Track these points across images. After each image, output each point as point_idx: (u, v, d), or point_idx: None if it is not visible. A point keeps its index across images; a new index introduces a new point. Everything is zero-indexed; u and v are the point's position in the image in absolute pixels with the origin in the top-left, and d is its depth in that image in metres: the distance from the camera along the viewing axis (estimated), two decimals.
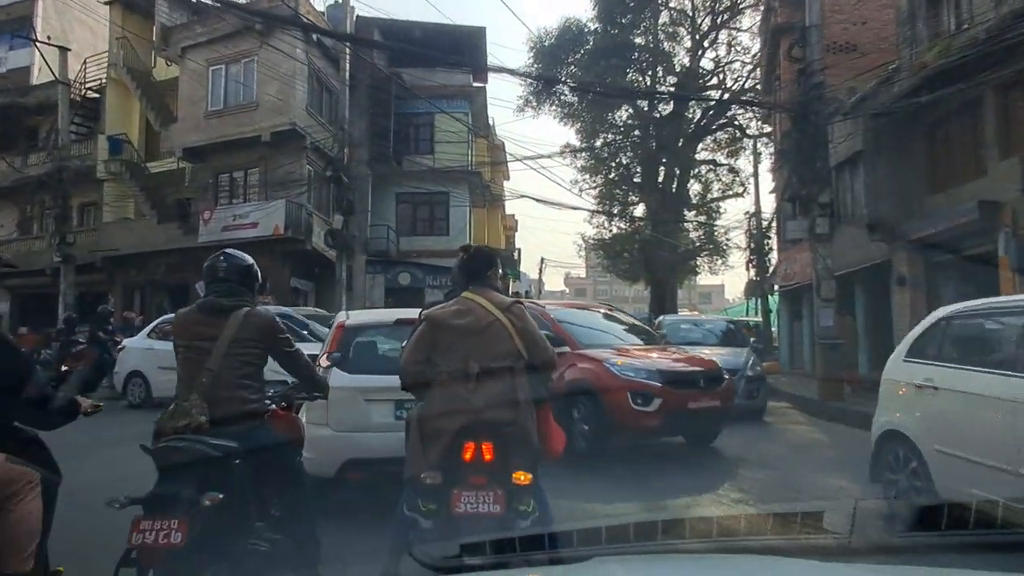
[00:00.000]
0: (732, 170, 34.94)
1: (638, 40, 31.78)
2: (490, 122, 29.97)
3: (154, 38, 21.52)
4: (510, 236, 42.14)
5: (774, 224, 23.98)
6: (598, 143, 34.30)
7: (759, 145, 31.58)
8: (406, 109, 23.85)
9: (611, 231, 36.69)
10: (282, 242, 18.99)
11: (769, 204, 45.55)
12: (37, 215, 24.63)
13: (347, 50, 17.63)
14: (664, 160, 32.57)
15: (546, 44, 30.46)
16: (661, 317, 11.95)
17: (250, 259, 3.53)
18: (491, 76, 37.83)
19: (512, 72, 17.29)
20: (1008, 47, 9.32)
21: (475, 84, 25.66)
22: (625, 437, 7.52)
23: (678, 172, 32.77)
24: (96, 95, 23.78)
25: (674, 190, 32.43)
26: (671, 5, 31.56)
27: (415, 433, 3.34)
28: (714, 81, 32.13)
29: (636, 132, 32.99)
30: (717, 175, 35.60)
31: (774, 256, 27.47)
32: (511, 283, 32.58)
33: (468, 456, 3.15)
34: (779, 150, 14.83)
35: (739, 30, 32.80)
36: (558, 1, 77.42)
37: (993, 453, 4.14)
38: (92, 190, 22.85)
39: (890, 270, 13.22)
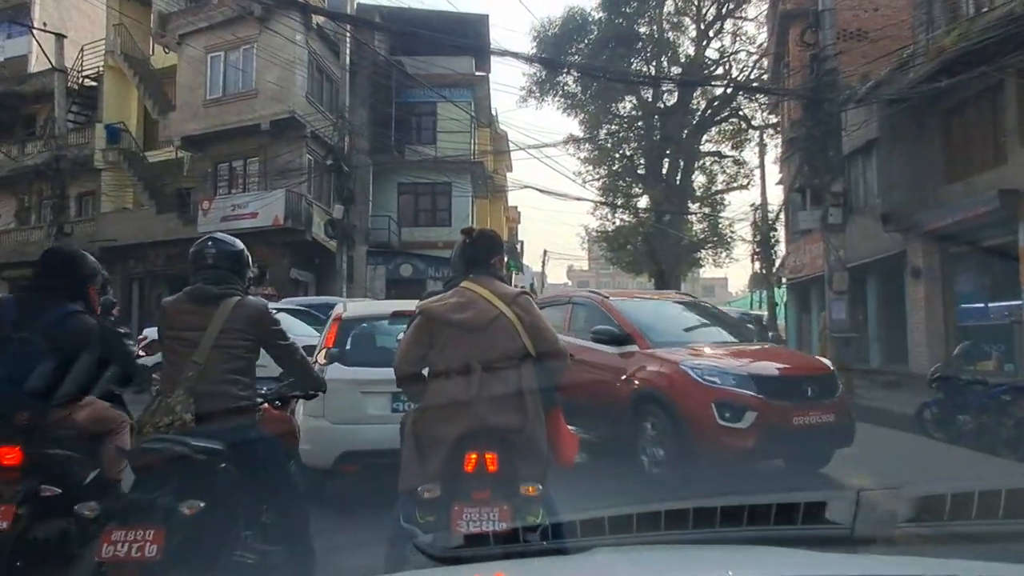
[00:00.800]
0: (737, 162, 34.68)
1: (642, 29, 31.44)
2: (493, 112, 29.59)
3: (152, 25, 21.18)
4: (513, 228, 41.87)
5: (781, 216, 23.59)
6: (602, 134, 34.01)
7: (765, 136, 31.22)
8: (408, 98, 23.51)
9: (615, 223, 36.48)
10: (282, 232, 18.70)
11: (775, 196, 45.35)
12: (35, 205, 24.37)
13: (347, 35, 17.26)
14: (668, 151, 32.25)
15: (550, 33, 30.15)
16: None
17: (240, 244, 3.29)
18: (494, 67, 37.46)
19: (516, 55, 16.81)
20: None
21: (478, 73, 25.29)
22: (709, 461, 5.75)
23: (682, 164, 32.46)
24: (93, 83, 23.49)
25: (678, 182, 32.12)
26: None
27: (410, 440, 3.03)
28: (719, 71, 31.78)
29: (640, 123, 32.69)
30: (722, 167, 35.32)
31: (780, 248, 27.17)
32: (514, 275, 32.32)
33: (470, 467, 2.84)
34: (790, 139, 14.50)
35: (745, 19, 32.48)
36: None
37: None
38: (90, 179, 22.58)
39: (904, 262, 12.89)
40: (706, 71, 31.38)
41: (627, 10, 30.55)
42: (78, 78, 23.25)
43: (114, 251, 21.54)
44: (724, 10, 30.98)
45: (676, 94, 31.95)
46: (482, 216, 29.24)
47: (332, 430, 4.97)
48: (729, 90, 29.69)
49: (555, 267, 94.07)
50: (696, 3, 31.18)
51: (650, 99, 32.69)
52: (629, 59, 30.53)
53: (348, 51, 17.80)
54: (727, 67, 31.84)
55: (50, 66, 20.72)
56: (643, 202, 34.69)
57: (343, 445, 4.98)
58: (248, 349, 3.07)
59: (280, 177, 18.89)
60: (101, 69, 23.08)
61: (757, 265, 30.69)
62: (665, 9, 31.65)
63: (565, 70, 31.62)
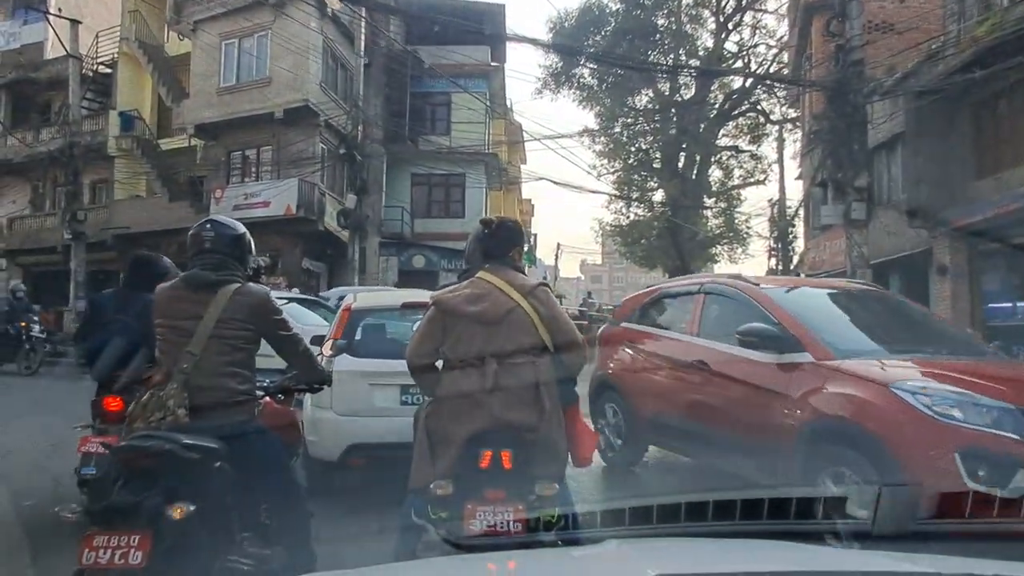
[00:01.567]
0: (754, 157, 34.28)
1: (660, 22, 31.06)
2: (508, 104, 29.33)
3: (167, 11, 21.08)
4: (526, 221, 41.63)
5: (800, 211, 23.22)
6: (617, 127, 33.68)
7: (784, 131, 30.82)
8: (422, 88, 23.31)
9: (629, 217, 36.19)
10: (294, 222, 18.58)
11: (794, 191, 44.88)
12: (49, 192, 24.42)
13: (363, 19, 17.04)
14: (685, 145, 31.91)
15: (566, 25, 29.84)
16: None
17: (241, 227, 3.08)
18: (510, 58, 37.08)
19: (533, 42, 16.52)
20: None
21: (493, 63, 25.02)
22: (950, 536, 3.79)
23: (699, 158, 32.12)
24: (108, 70, 23.43)
25: (694, 176, 31.79)
26: None
27: (422, 436, 2.93)
28: (738, 64, 31.36)
29: (657, 116, 32.35)
30: (739, 162, 34.95)
31: (798, 244, 26.79)
32: (526, 268, 31.98)
33: (484, 464, 2.73)
34: (813, 131, 14.14)
35: (764, 11, 32.11)
36: None
37: None
38: (103, 167, 22.56)
39: (929, 259, 12.54)
40: (724, 64, 31.01)
41: (645, 2, 30.20)
42: (93, 65, 23.18)
43: (127, 239, 21.51)
44: (744, 2, 30.56)
45: (694, 87, 31.66)
46: (495, 208, 28.99)
47: (339, 422, 4.89)
48: (751, 81, 29.39)
49: (568, 261, 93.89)
50: None
51: (667, 92, 32.35)
52: (646, 52, 30.20)
53: (363, 38, 17.54)
54: (746, 60, 31.45)
55: (65, 53, 20.65)
56: (658, 196, 34.39)
57: (350, 437, 4.90)
58: (247, 340, 2.88)
59: (293, 166, 18.74)
60: (115, 56, 23.01)
61: (773, 262, 30.35)
62: (683, 1, 31.26)
63: (581, 61, 31.40)
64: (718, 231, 35.15)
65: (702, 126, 31.30)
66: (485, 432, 2.76)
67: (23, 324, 13.42)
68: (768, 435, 4.38)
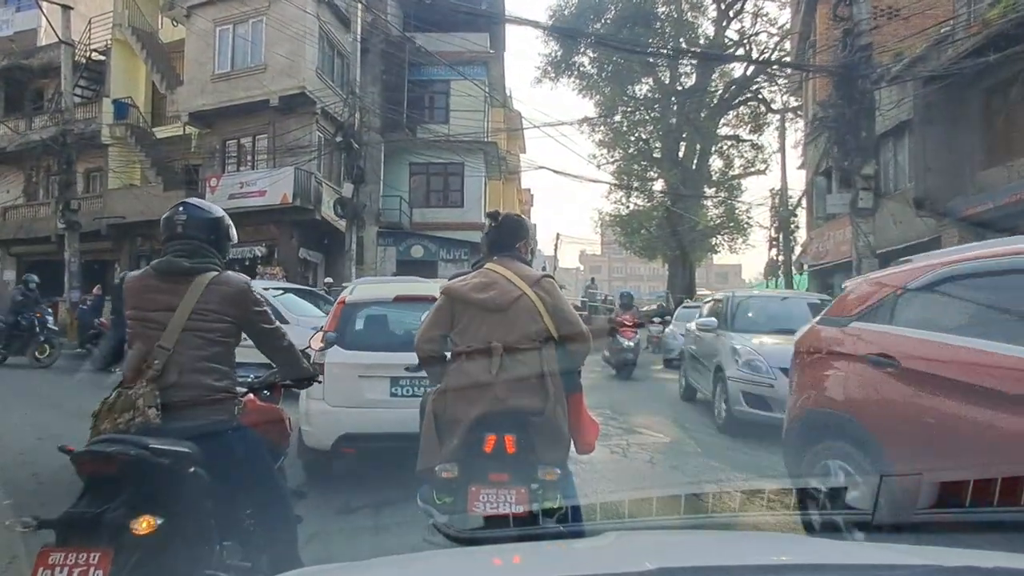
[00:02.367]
0: (755, 146, 34.05)
1: (661, 9, 30.75)
2: (507, 92, 29.00)
3: None
4: (525, 211, 41.39)
5: (803, 201, 22.97)
6: (617, 116, 33.39)
7: (785, 120, 30.51)
8: (420, 75, 22.99)
9: (629, 207, 35.97)
10: (290, 211, 18.32)
11: (795, 180, 44.56)
12: (42, 180, 24.10)
13: (359, 6, 16.71)
14: (685, 135, 31.66)
15: (566, 12, 29.52)
16: (730, 292, 9.96)
17: (219, 211, 2.84)
18: (509, 47, 36.64)
19: (533, 24, 16.20)
20: None
21: (492, 51, 24.68)
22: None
23: (699, 148, 31.87)
24: (101, 57, 23.06)
25: (695, 166, 31.56)
26: None
27: (429, 420, 3.01)
28: (739, 52, 31.04)
29: (657, 105, 32.06)
30: (739, 151, 34.72)
31: (800, 234, 26.56)
32: None
33: (489, 448, 2.79)
34: (817, 120, 13.87)
35: None
36: None
37: None
38: (97, 155, 22.26)
39: (937, 249, 12.30)
40: (725, 53, 30.70)
41: None
42: (86, 52, 22.81)
43: (121, 228, 21.30)
44: None
45: (694, 76, 31.37)
46: (494, 198, 28.72)
47: (331, 412, 4.98)
48: (752, 70, 29.11)
49: (568, 251, 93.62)
50: None
51: (668, 81, 32.04)
52: (647, 40, 29.88)
53: (359, 21, 17.20)
54: (747, 48, 31.11)
55: (57, 40, 20.30)
56: (658, 186, 34.15)
57: (341, 428, 4.99)
58: (225, 333, 2.64)
59: (289, 154, 18.46)
60: (109, 43, 22.62)
61: (774, 252, 30.12)
62: None
63: (581, 48, 31.06)
64: (718, 221, 34.95)
65: (703, 115, 31.04)
66: (490, 416, 2.81)
67: (37, 315, 13.13)
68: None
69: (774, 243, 28.49)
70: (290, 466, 3.69)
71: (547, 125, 58.14)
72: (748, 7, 30.91)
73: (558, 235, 68.11)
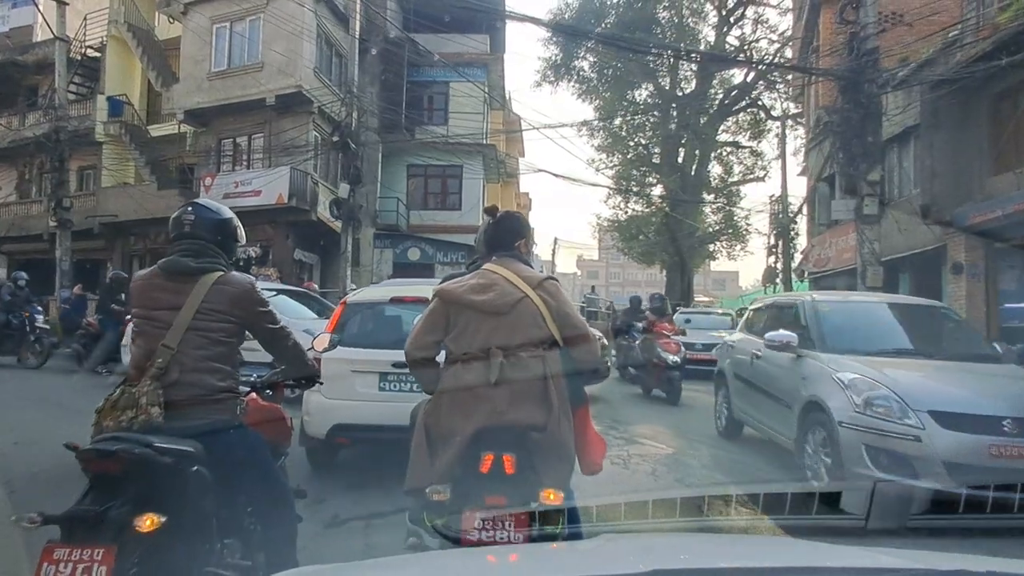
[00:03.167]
0: (755, 153, 33.96)
1: (662, 15, 30.64)
2: (507, 95, 28.81)
3: None
4: (524, 214, 41.12)
5: (804, 208, 22.79)
6: (617, 121, 33.26)
7: (785, 126, 30.41)
8: (419, 77, 22.80)
9: (627, 212, 35.83)
10: (286, 211, 18.06)
11: (795, 187, 44.51)
12: (35, 178, 23.82)
13: (358, 4, 16.50)
14: (684, 140, 31.53)
15: (567, 17, 29.38)
16: (808, 295, 7.11)
17: (228, 212, 2.86)
18: (509, 51, 36.52)
19: (534, 21, 16.00)
20: None
21: (492, 54, 24.51)
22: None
23: (698, 154, 31.74)
24: (96, 54, 22.81)
25: (693, 172, 31.41)
26: None
27: (420, 434, 2.75)
28: (740, 59, 30.91)
29: (656, 111, 31.94)
30: (739, 158, 34.61)
31: (800, 241, 26.40)
32: None
33: (485, 468, 2.53)
34: (825, 123, 13.67)
35: (767, 5, 31.69)
36: None
37: None
38: (91, 153, 21.98)
39: (943, 257, 12.11)
40: (726, 59, 30.59)
41: None
42: (81, 48, 22.59)
43: (114, 227, 21.03)
44: None
45: (694, 82, 31.26)
46: (493, 201, 28.45)
47: (327, 404, 5.32)
48: (752, 76, 29.02)
49: (565, 256, 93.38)
50: None
51: (668, 86, 31.91)
52: (648, 45, 29.76)
53: (358, 20, 16.97)
54: (748, 55, 30.98)
55: (52, 35, 20.05)
56: (657, 191, 34.01)
57: (335, 418, 5.36)
58: (229, 332, 2.66)
59: (285, 154, 18.20)
60: (104, 39, 22.36)
61: (772, 259, 29.94)
62: None
63: (581, 53, 30.92)
64: (717, 227, 34.81)
65: (702, 121, 30.91)
66: (487, 431, 2.57)
67: (26, 314, 12.74)
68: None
69: (773, 250, 28.32)
70: (290, 463, 3.63)
71: (547, 127, 58.00)
72: (749, 14, 30.82)
73: (556, 240, 67.95)
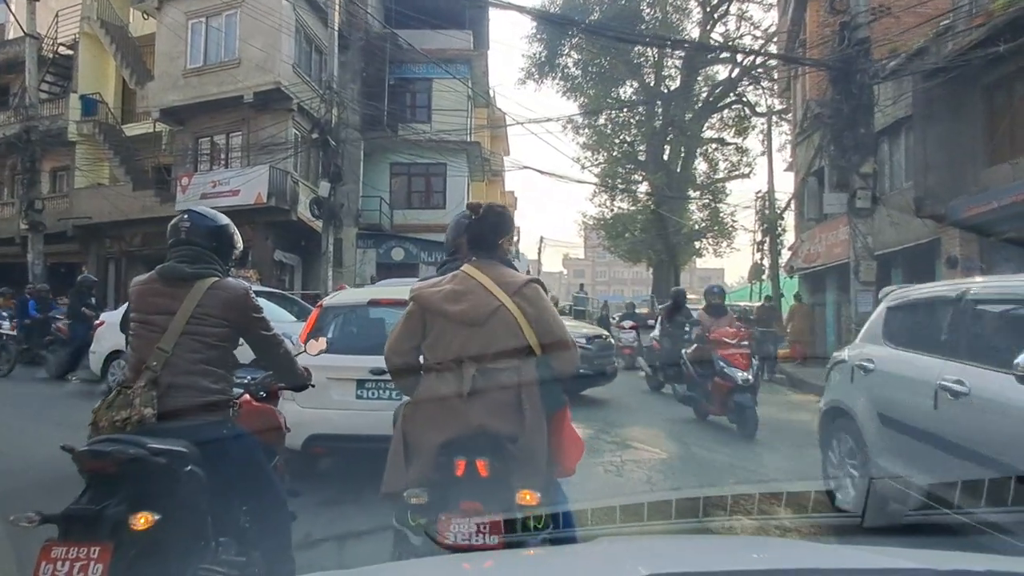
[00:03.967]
0: (740, 149, 33.87)
1: (646, 12, 30.45)
2: (491, 93, 28.47)
3: None
4: (509, 209, 40.81)
5: (791, 203, 22.62)
6: (602, 119, 33.07)
7: (771, 123, 30.32)
8: (402, 73, 22.40)
9: (613, 210, 35.63)
10: (265, 211, 17.59)
11: (781, 183, 44.53)
12: (6, 179, 23.17)
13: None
14: (670, 137, 31.37)
15: (551, 12, 29.08)
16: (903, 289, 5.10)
17: (224, 219, 2.94)
18: (493, 47, 36.10)
19: (520, 9, 15.64)
20: None
21: (475, 51, 24.15)
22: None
23: (683, 151, 31.60)
24: (69, 51, 22.19)
25: (679, 169, 31.24)
26: None
27: (398, 439, 2.70)
28: (730, 47, 30.78)
29: (641, 108, 31.77)
30: (724, 154, 34.52)
31: (788, 238, 26.27)
32: None
33: (459, 473, 2.52)
34: (816, 114, 13.46)
35: (751, 1, 31.64)
36: None
37: None
38: (64, 153, 21.40)
39: (937, 250, 11.89)
40: (711, 55, 30.47)
41: None
42: (52, 46, 21.96)
43: (89, 229, 20.48)
44: None
45: (679, 78, 31.10)
46: (478, 199, 28.13)
47: (301, 413, 5.06)
48: (741, 70, 28.91)
49: (551, 255, 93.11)
50: None
51: (653, 82, 31.72)
52: (632, 41, 29.60)
53: (336, 14, 16.56)
54: (732, 52, 30.84)
55: (23, 33, 19.45)
56: (643, 189, 33.82)
57: (310, 428, 5.10)
58: (222, 337, 2.73)
59: (264, 152, 17.75)
60: (76, 36, 21.76)
61: (758, 256, 29.82)
62: None
63: (565, 50, 30.66)
64: (703, 224, 34.72)
65: (688, 117, 30.76)
66: (461, 440, 2.54)
67: None
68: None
69: (760, 247, 28.18)
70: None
71: (531, 122, 57.58)
72: (732, 10, 30.72)
73: (542, 239, 67.74)
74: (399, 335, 2.77)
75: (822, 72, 15.94)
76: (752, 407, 7.61)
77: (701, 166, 34.50)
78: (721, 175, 35.04)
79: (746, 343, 8.14)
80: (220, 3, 18.16)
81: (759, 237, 28.52)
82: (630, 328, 15.90)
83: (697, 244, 35.33)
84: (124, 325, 6.41)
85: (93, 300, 12.48)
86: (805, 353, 15.92)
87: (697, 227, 34.32)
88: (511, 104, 72.59)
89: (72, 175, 21.70)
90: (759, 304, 20.06)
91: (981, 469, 3.37)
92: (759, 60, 29.14)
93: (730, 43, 30.88)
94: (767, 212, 26.28)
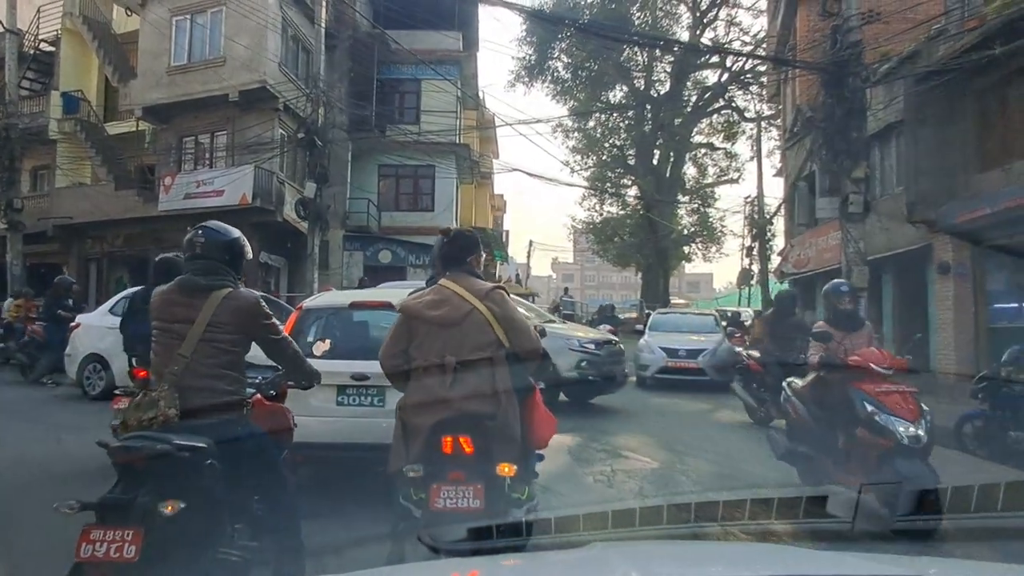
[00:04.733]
0: (729, 154, 33.94)
1: (636, 16, 30.42)
2: (480, 94, 28.28)
3: None
4: (498, 216, 40.68)
5: (781, 208, 22.57)
6: (591, 123, 33.02)
7: (760, 128, 30.38)
8: (390, 74, 22.17)
9: (602, 214, 35.59)
10: (250, 212, 17.23)
11: (771, 188, 44.63)
12: None
13: None
14: (659, 142, 31.36)
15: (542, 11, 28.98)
16: None
17: (235, 233, 3.19)
18: (482, 49, 35.90)
19: (509, 6, 15.48)
20: None
21: (464, 52, 23.95)
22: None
23: (673, 156, 31.59)
24: (50, 48, 21.79)
25: (668, 174, 31.23)
26: None
27: (399, 424, 3.28)
28: (713, 60, 30.82)
29: (631, 112, 31.75)
30: (713, 160, 34.58)
31: (777, 243, 26.25)
32: (498, 266, 31.18)
33: (447, 449, 3.06)
34: (808, 118, 13.35)
35: (739, 7, 31.72)
36: None
37: None
38: (44, 152, 20.96)
39: (928, 256, 11.80)
40: (700, 60, 30.50)
41: None
42: (34, 42, 21.56)
43: (70, 229, 20.07)
44: None
45: (668, 83, 31.10)
46: (467, 203, 27.95)
47: None
48: (730, 75, 28.96)
49: (540, 258, 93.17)
50: None
51: (642, 86, 31.69)
52: (622, 46, 29.58)
53: (323, 11, 16.31)
54: (722, 56, 30.89)
55: (2, 28, 19.07)
56: (632, 193, 33.79)
57: None
58: (236, 343, 3.02)
59: (249, 152, 17.45)
60: (58, 33, 21.35)
61: (747, 261, 29.81)
62: None
63: (556, 54, 30.59)
64: (692, 229, 34.71)
65: (677, 122, 30.74)
66: (447, 420, 3.07)
67: None
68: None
69: (749, 251, 28.17)
70: None
71: (521, 123, 57.42)
72: (722, 15, 30.76)
73: (531, 243, 67.63)
74: (389, 341, 3.33)
75: (812, 77, 15.89)
76: (928, 476, 4.26)
77: (690, 171, 34.66)
78: (710, 180, 35.16)
79: (901, 372, 4.98)
80: (205, 0, 17.87)
81: (748, 242, 28.52)
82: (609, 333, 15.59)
83: (686, 249, 35.36)
84: (123, 327, 6.31)
85: (70, 302, 12.14)
86: None
87: (686, 232, 34.34)
88: (501, 105, 72.39)
89: (53, 174, 21.26)
90: (758, 312, 20.00)
91: None
92: (748, 65, 29.19)
93: (720, 48, 30.93)
94: (756, 217, 26.23)
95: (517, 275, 37.98)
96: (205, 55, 18.08)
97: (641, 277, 35.29)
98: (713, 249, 35.27)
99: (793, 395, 5.59)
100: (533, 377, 3.43)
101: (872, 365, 4.86)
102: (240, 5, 16.84)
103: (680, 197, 33.23)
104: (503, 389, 3.15)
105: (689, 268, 55.81)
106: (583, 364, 9.14)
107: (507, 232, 40.07)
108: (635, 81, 32.04)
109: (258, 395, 3.38)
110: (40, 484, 5.15)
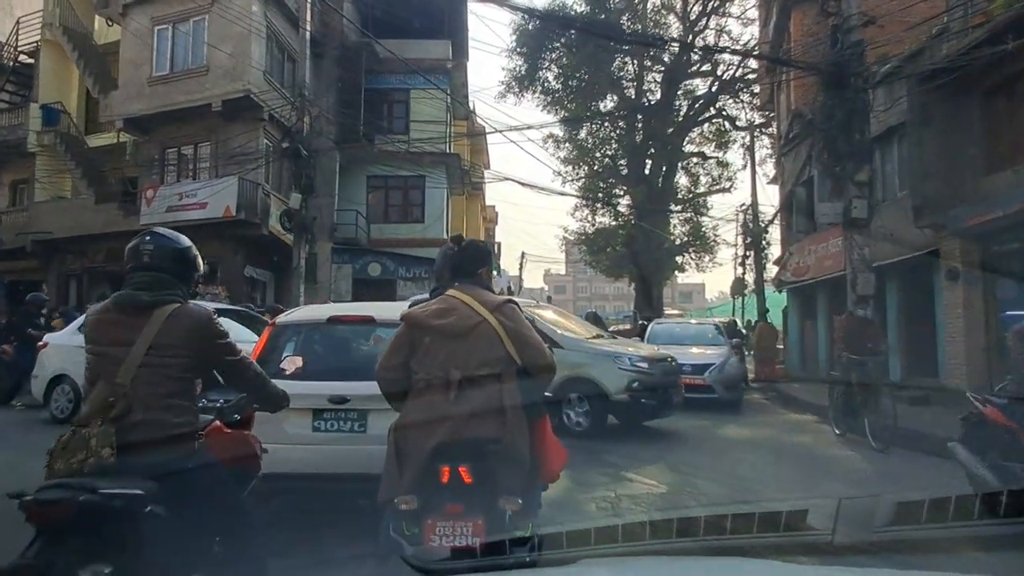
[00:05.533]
0: (721, 163, 33.74)
1: (626, 25, 30.25)
2: (471, 104, 27.95)
3: None
4: (490, 228, 40.32)
5: (777, 216, 22.24)
6: (582, 133, 32.79)
7: (754, 135, 30.19)
8: (379, 83, 21.77)
9: (594, 225, 35.30)
10: (234, 225, 16.81)
11: (764, 196, 44.48)
12: None
13: (307, 3, 15.46)
14: (651, 152, 31.13)
15: (530, 26, 28.79)
16: None
17: (186, 241, 2.81)
18: (472, 56, 35.68)
19: (501, 2, 15.11)
20: None
21: (454, 61, 23.61)
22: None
23: (664, 166, 31.36)
24: (30, 60, 21.35)
25: (660, 184, 30.96)
26: None
27: (391, 448, 2.95)
28: (705, 68, 30.67)
29: (622, 122, 31.54)
30: (705, 169, 34.36)
31: (772, 251, 25.95)
32: (491, 278, 30.75)
33: (444, 480, 2.73)
34: (808, 120, 13.02)
35: (729, 15, 31.60)
36: None
37: None
38: (23, 165, 20.52)
39: (934, 262, 11.41)
40: (690, 69, 30.35)
41: (610, 5, 29.51)
42: (13, 54, 21.13)
43: (49, 245, 19.53)
44: (708, 7, 30.06)
45: (659, 92, 30.92)
46: (458, 214, 27.54)
47: None
48: (720, 84, 28.81)
49: (532, 270, 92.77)
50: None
51: (633, 96, 31.48)
52: (612, 55, 29.39)
53: (308, 19, 15.92)
54: (713, 64, 30.74)
55: None
56: (625, 203, 33.51)
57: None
58: (186, 368, 2.62)
59: (233, 163, 16.99)
60: (38, 44, 20.91)
61: (741, 270, 29.49)
62: (649, 4, 30.74)
63: (547, 64, 30.35)
64: (685, 239, 34.45)
65: (668, 131, 30.55)
66: (445, 446, 2.77)
67: None
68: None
69: (743, 260, 27.85)
70: None
71: (511, 129, 57.34)
72: (712, 24, 30.62)
73: (523, 255, 67.26)
74: (389, 353, 3.03)
75: (809, 81, 15.60)
76: None
77: (682, 180, 34.40)
78: (703, 189, 34.92)
79: None
80: (188, 8, 17.49)
81: (742, 251, 28.21)
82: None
83: (679, 259, 35.08)
84: (18, 333, 5.95)
85: (42, 320, 11.60)
86: (777, 369, 16.52)
87: (679, 242, 34.06)
88: (492, 112, 72.08)
89: (32, 188, 20.76)
90: (758, 323, 19.75)
91: None
92: (739, 73, 29.05)
93: (714, 50, 30.81)
94: (751, 225, 25.92)
95: (509, 287, 37.54)
96: (188, 64, 17.68)
97: (634, 288, 34.99)
98: (706, 259, 34.99)
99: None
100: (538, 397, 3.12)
101: None
102: (224, 13, 16.45)
103: (673, 207, 32.98)
104: (511, 411, 2.85)
105: (681, 278, 55.60)
106: (635, 385, 8.35)
107: (499, 244, 39.71)
108: (626, 91, 31.85)
109: (217, 423, 3.01)
110: None
